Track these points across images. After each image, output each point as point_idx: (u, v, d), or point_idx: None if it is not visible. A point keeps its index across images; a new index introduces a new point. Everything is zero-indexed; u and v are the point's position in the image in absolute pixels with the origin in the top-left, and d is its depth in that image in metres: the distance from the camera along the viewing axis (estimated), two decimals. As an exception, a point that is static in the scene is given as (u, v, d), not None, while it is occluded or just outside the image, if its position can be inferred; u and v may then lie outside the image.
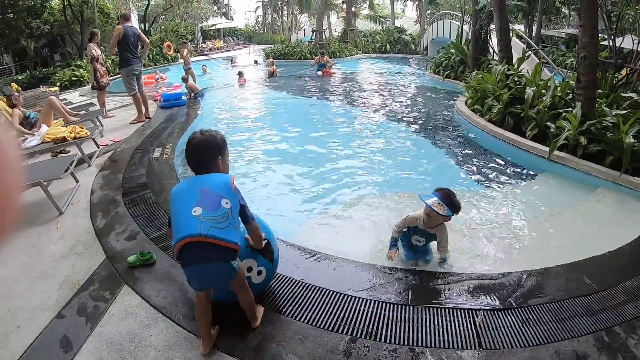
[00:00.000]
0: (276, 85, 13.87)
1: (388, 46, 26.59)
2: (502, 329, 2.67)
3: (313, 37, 26.03)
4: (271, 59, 18.01)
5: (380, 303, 2.89)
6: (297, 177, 5.76)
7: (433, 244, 3.45)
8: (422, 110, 10.21)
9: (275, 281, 3.09)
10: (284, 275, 3.17)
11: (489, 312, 2.82)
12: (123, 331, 2.64)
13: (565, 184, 5.39)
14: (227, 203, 2.11)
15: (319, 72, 15.75)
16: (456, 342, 2.55)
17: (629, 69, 8.16)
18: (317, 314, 2.78)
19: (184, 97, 10.24)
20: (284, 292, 3.01)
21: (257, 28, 52.78)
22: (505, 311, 2.83)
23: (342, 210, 4.71)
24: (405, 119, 9.34)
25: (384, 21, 41.00)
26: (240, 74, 14.45)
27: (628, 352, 2.48)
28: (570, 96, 6.96)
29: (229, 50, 32.71)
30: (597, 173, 5.13)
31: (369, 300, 2.91)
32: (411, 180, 5.82)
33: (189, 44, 16.49)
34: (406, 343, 2.54)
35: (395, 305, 2.86)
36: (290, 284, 3.10)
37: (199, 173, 2.25)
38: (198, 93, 11.30)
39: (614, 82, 7.55)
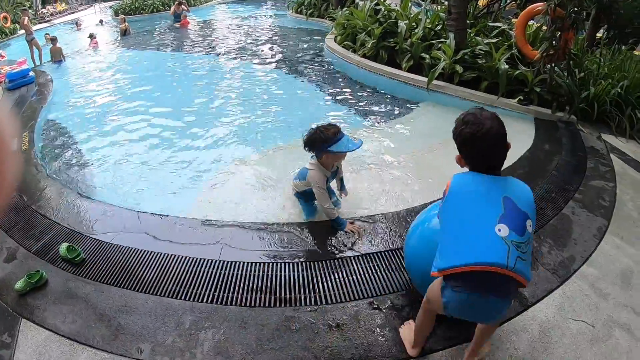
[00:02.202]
0: (131, 44, 13.20)
1: None
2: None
3: None
4: (122, 16, 16.62)
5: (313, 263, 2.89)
6: (165, 146, 5.26)
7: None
8: (289, 52, 10.01)
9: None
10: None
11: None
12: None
13: (446, 110, 5.66)
14: (530, 226, 1.62)
15: (176, 24, 15.56)
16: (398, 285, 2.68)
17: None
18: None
19: (31, 74, 9.25)
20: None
21: None
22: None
23: (222, 176, 4.43)
24: (273, 63, 9.01)
25: None
26: (91, 36, 13.05)
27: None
28: (440, 27, 7.19)
29: (73, 13, 28.82)
30: (475, 98, 5.54)
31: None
32: (289, 128, 5.45)
33: (28, 10, 15.44)
34: (346, 299, 2.61)
35: (326, 261, 2.90)
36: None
37: (488, 171, 1.69)
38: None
39: (476, 12, 8.04)
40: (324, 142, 2.93)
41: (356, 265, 2.89)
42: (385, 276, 2.79)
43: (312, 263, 2.91)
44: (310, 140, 2.99)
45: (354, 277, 2.78)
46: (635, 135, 5.50)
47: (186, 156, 4.85)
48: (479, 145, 1.69)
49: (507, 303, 1.72)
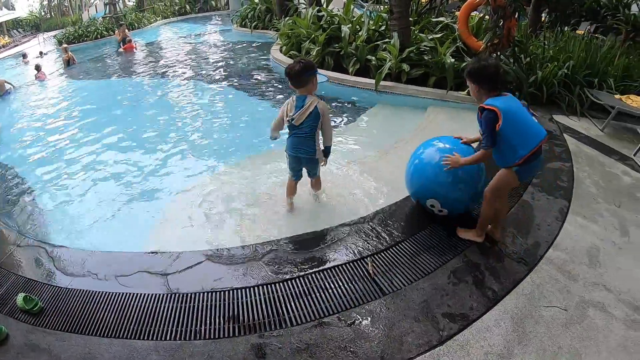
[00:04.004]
0: (77, 73, 13.05)
1: (188, 7, 26.80)
2: (394, 268, 2.91)
3: (107, 11, 24.17)
4: (64, 46, 16.24)
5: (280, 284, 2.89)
6: (118, 179, 5.18)
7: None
8: (237, 67, 10.13)
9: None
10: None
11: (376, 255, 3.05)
12: None
13: (397, 111, 5.91)
14: None
15: (121, 49, 15.52)
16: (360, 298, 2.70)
17: None
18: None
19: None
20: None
21: (43, 13, 45.22)
22: (389, 251, 3.09)
23: (175, 206, 4.38)
24: (222, 81, 9.05)
25: None
26: (37, 67, 12.76)
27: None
28: (383, 28, 7.41)
29: (17, 45, 27.83)
30: (424, 94, 5.76)
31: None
32: (242, 145, 5.51)
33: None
34: (312, 319, 2.58)
35: (289, 281, 2.89)
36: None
37: (499, 90, 2.71)
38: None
39: (419, 9, 8.32)
40: (313, 68, 3.27)
41: (320, 280, 2.88)
42: (350, 288, 2.78)
43: (274, 285, 2.88)
44: (307, 67, 3.22)
45: (320, 293, 2.77)
46: (586, 112, 5.80)
47: (139, 187, 4.77)
48: (491, 75, 2.65)
49: (542, 159, 2.80)
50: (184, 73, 10.33)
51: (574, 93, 5.89)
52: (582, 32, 10.83)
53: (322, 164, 3.61)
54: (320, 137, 3.45)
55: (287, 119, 3.33)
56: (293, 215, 3.76)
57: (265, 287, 2.86)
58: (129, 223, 4.10)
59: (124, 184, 4.94)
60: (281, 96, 7.20)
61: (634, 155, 4.80)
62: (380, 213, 3.60)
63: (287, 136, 3.52)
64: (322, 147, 3.51)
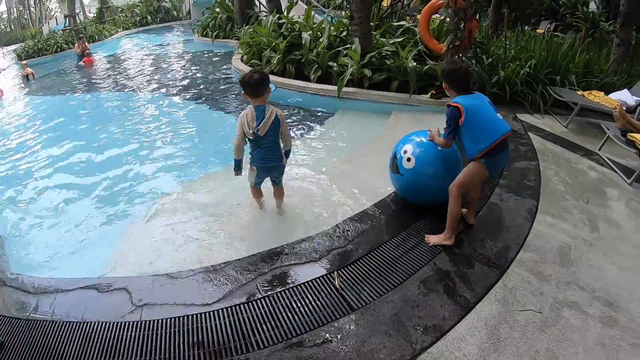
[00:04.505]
0: (37, 89, 12.66)
1: (149, 17, 26.56)
2: (362, 280, 2.82)
3: (67, 24, 23.64)
4: (23, 62, 15.76)
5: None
6: (79, 200, 4.94)
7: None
8: (199, 79, 10.02)
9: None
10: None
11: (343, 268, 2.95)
12: None
13: (360, 116, 5.91)
14: None
15: (81, 63, 15.19)
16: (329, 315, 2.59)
17: None
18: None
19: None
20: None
21: (3, 27, 43.89)
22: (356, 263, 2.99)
23: (140, 222, 4.18)
24: (182, 93, 8.91)
25: None
26: None
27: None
28: (345, 34, 7.41)
29: None
30: (387, 99, 5.76)
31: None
32: (205, 159, 5.38)
33: None
34: (281, 340, 2.46)
35: (254, 302, 2.76)
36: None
37: (468, 91, 2.99)
38: None
39: (381, 13, 8.38)
40: (268, 77, 3.30)
41: (287, 299, 2.75)
42: (318, 306, 2.66)
43: (239, 307, 2.72)
44: (266, 76, 3.26)
45: (287, 313, 2.63)
46: (549, 110, 5.91)
47: (99, 207, 4.57)
48: (461, 76, 2.96)
49: (509, 154, 3.09)
50: (145, 86, 10.19)
51: (537, 91, 6.00)
52: (542, 30, 11.17)
53: None
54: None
55: (252, 131, 3.26)
56: (257, 231, 3.63)
57: (229, 309, 2.71)
58: (88, 246, 3.89)
59: (83, 205, 4.74)
60: (240, 108, 7.10)
61: (599, 149, 4.91)
62: (346, 223, 3.51)
63: (250, 150, 3.47)
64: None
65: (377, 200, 3.82)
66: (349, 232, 3.38)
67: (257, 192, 3.81)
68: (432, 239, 3.17)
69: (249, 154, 3.50)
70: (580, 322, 2.51)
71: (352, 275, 2.90)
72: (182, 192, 4.56)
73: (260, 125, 3.23)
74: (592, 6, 12.03)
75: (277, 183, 3.73)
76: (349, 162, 4.75)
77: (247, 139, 3.36)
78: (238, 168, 3.53)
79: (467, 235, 3.24)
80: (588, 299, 2.70)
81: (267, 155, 3.40)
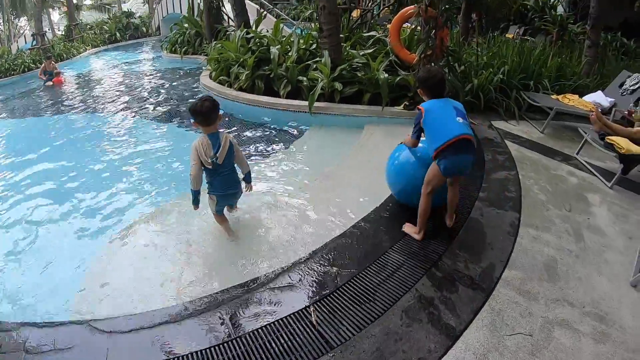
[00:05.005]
0: (1, 112, 12.20)
1: (118, 34, 26.57)
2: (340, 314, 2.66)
3: (35, 42, 23.45)
4: None
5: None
6: (39, 226, 4.63)
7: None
8: (167, 97, 9.87)
9: None
10: None
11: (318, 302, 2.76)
12: None
13: (333, 131, 5.80)
14: (465, 116, 3.13)
15: (49, 83, 14.64)
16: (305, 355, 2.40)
17: (361, 9, 9.23)
18: None
19: None
20: None
21: None
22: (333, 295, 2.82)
23: (102, 258, 3.85)
24: (151, 111, 8.76)
25: (111, 8, 39.88)
26: None
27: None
28: (314, 47, 7.31)
29: None
30: (360, 113, 5.65)
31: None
32: (171, 184, 5.13)
33: None
34: None
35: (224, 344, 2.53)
36: None
37: (439, 97, 3.14)
38: None
39: (351, 24, 8.36)
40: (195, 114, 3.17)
41: (260, 339, 2.53)
42: (294, 345, 2.46)
43: (208, 350, 2.50)
44: (217, 104, 3.21)
45: (260, 355, 2.42)
46: (524, 115, 5.90)
47: (59, 241, 4.27)
48: (436, 83, 3.13)
49: (471, 158, 3.13)
50: (112, 107, 9.97)
51: (511, 97, 5.99)
52: (512, 35, 11.35)
53: (248, 190, 3.69)
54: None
55: (210, 160, 3.19)
56: (224, 264, 3.39)
57: (198, 354, 2.49)
58: (42, 285, 3.57)
59: (42, 238, 4.43)
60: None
61: (577, 154, 4.89)
62: (321, 251, 3.31)
63: (207, 180, 3.41)
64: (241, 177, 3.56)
65: (354, 222, 3.66)
66: (324, 260, 3.20)
67: (221, 218, 3.67)
68: (406, 228, 3.43)
69: (206, 183, 3.42)
70: (572, 342, 2.41)
71: (330, 307, 2.72)
72: (148, 219, 4.29)
73: (218, 153, 3.20)
74: (560, 9, 12.31)
75: (233, 207, 3.81)
76: (323, 182, 4.60)
77: (203, 168, 3.27)
78: (197, 201, 3.43)
79: (450, 256, 3.11)
80: (578, 315, 2.60)
81: (228, 183, 3.39)
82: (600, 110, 5.21)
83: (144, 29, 27.75)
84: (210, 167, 3.23)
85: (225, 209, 3.74)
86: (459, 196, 3.51)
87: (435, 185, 3.18)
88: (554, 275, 2.93)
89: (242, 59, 7.69)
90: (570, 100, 5.80)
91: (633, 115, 5.51)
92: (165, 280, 3.26)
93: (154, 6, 28.72)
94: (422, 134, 3.23)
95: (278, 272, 3.11)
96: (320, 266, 3.12)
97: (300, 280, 3.00)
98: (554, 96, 5.99)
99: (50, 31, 31.52)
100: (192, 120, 3.20)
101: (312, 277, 3.02)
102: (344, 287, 2.87)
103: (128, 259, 3.65)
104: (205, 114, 3.11)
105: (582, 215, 3.70)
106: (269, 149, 5.69)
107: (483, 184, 4.06)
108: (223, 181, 3.34)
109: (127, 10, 31.52)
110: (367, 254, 3.22)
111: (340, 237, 3.46)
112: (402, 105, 5.68)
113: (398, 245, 3.28)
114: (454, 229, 3.44)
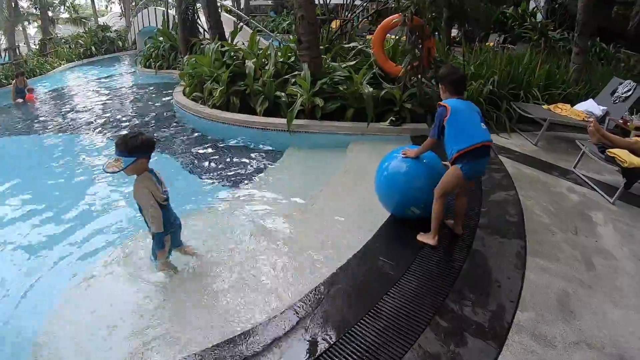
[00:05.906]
0: None
1: (94, 48, 26.38)
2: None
3: (7, 58, 22.96)
4: None
5: None
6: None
7: None
8: (139, 114, 9.51)
9: None
10: None
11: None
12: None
13: (316, 151, 5.47)
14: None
15: (19, 100, 14.19)
16: None
17: (341, 20, 9.01)
18: None
19: None
20: None
21: None
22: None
23: (69, 303, 3.34)
24: (123, 130, 8.26)
25: (87, 22, 39.81)
26: None
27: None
28: (293, 59, 7.00)
29: None
30: (343, 130, 5.32)
31: None
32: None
33: None
34: None
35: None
36: None
37: (460, 95, 3.20)
38: None
39: (330, 35, 8.15)
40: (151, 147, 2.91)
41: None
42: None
43: None
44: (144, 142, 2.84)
45: None
46: (515, 127, 5.66)
47: (21, 277, 3.76)
48: (458, 79, 3.19)
49: (487, 161, 3.20)
50: (84, 127, 9.51)
51: (502, 109, 5.76)
52: (492, 43, 11.28)
53: None
54: None
55: (164, 195, 3.00)
56: (197, 323, 2.82)
57: None
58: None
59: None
60: (181, 150, 6.56)
61: (574, 167, 4.69)
62: (308, 299, 2.83)
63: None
64: None
65: (343, 262, 3.16)
66: (312, 311, 2.72)
67: (168, 263, 3.31)
68: (420, 237, 3.33)
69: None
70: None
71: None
72: (117, 257, 3.77)
73: (164, 186, 3.06)
74: (539, 17, 12.33)
75: (179, 244, 3.44)
76: (305, 212, 4.16)
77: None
78: (163, 245, 3.09)
79: (454, 298, 2.72)
80: (598, 358, 2.31)
81: (173, 214, 3.19)
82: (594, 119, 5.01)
83: (120, 42, 27.73)
84: (165, 203, 3.00)
85: (179, 253, 3.44)
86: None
87: (452, 189, 3.21)
88: (568, 313, 2.63)
89: (216, 74, 7.33)
90: (563, 110, 5.60)
91: (629, 124, 5.33)
92: (125, 344, 2.81)
93: (131, 19, 28.70)
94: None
95: (249, 333, 2.59)
96: (308, 320, 2.64)
97: (284, 336, 2.51)
98: (545, 106, 5.79)
99: (25, 45, 31.31)
100: (130, 162, 2.77)
101: (298, 334, 2.54)
102: (337, 347, 2.40)
103: (78, 316, 3.12)
104: (149, 147, 2.88)
105: (590, 238, 3.47)
106: (244, 174, 5.28)
107: (482, 208, 3.74)
108: (169, 214, 3.12)
109: (102, 24, 31.22)
110: (360, 303, 2.77)
111: (330, 281, 2.96)
112: (388, 121, 5.38)
113: (392, 290, 2.83)
114: (455, 261, 3.11)
